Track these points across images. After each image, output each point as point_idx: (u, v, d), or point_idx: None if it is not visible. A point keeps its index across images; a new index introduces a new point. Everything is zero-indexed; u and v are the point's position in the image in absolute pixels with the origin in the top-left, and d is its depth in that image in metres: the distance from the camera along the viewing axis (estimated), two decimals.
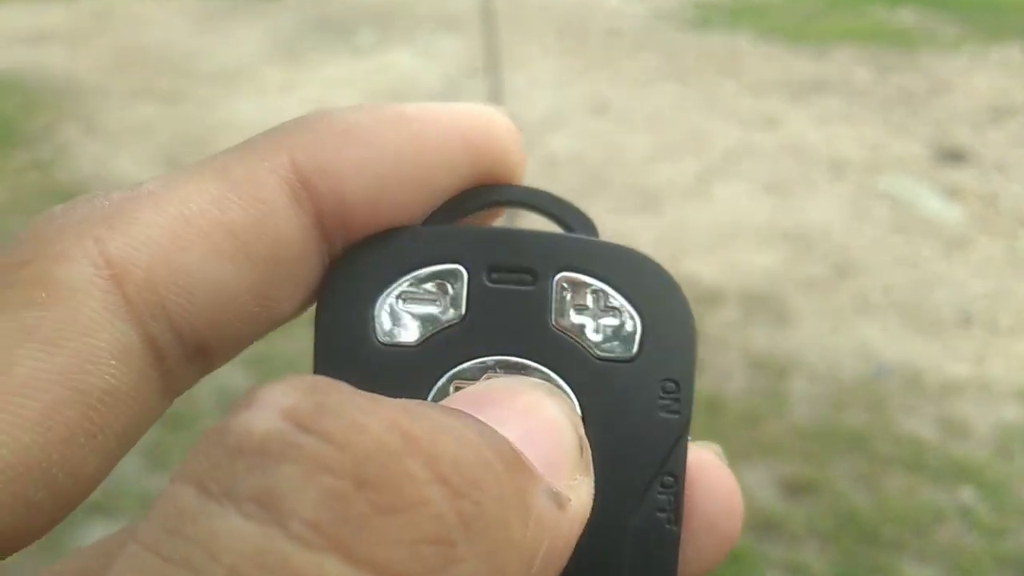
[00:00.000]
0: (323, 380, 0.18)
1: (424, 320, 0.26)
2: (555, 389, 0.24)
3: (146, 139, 4.63)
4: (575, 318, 0.26)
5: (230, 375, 2.29)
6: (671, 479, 0.24)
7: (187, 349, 0.25)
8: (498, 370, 0.25)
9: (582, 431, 0.23)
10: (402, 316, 0.26)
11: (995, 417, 2.60)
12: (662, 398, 0.25)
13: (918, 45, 5.53)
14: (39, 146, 4.70)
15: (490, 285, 0.26)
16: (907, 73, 5.04)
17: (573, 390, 0.25)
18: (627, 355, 0.26)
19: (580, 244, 0.29)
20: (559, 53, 5.68)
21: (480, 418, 0.19)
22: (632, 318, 0.27)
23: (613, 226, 3.56)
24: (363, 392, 0.18)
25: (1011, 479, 2.36)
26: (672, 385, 0.25)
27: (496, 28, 4.34)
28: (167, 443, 2.31)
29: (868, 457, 2.45)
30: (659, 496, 0.24)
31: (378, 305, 0.26)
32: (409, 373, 0.25)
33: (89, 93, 5.39)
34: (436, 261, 0.26)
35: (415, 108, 0.28)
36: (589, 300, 0.27)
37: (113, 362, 0.23)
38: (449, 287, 0.26)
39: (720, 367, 2.76)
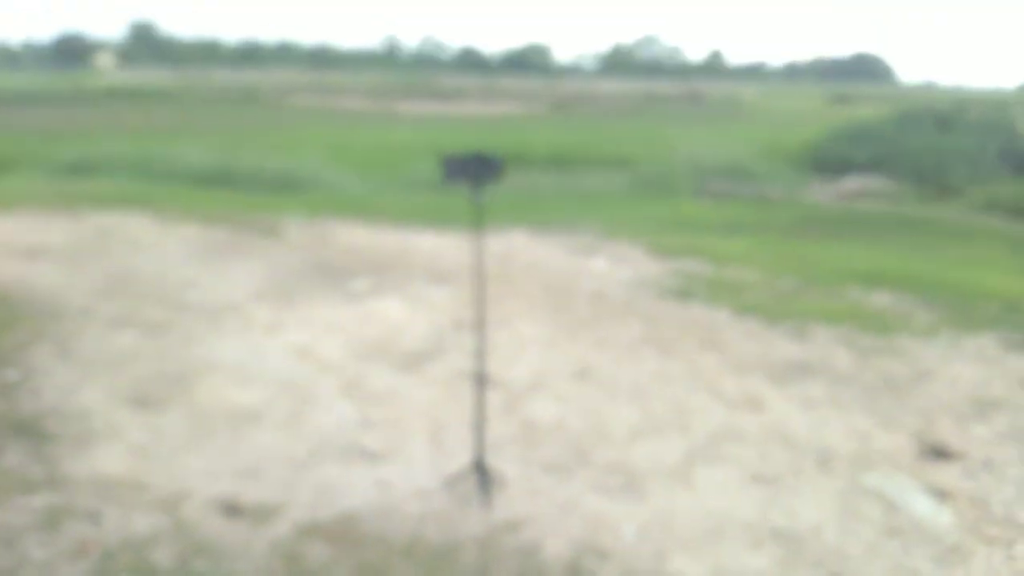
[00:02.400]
0: None
1: None
2: None
3: (120, 371, 4.43)
4: None
5: None
6: None
7: None
8: None
9: None
10: None
11: None
12: None
13: (895, 329, 5.59)
14: (8, 366, 4.49)
15: None
16: (888, 358, 5.02)
17: None
18: None
19: None
20: (545, 312, 5.69)
21: None
22: None
23: (595, 508, 3.31)
24: None
25: None
26: None
27: (485, 285, 4.33)
28: None
29: None
30: None
31: None
32: None
33: (72, 315, 5.26)
34: None
35: None
36: None
37: None
38: None
39: None
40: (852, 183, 19.04)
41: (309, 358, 4.66)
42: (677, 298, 6.28)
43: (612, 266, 7.35)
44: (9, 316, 5.22)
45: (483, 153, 3.18)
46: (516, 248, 7.78)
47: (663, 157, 17.35)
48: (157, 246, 7.24)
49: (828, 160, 20.45)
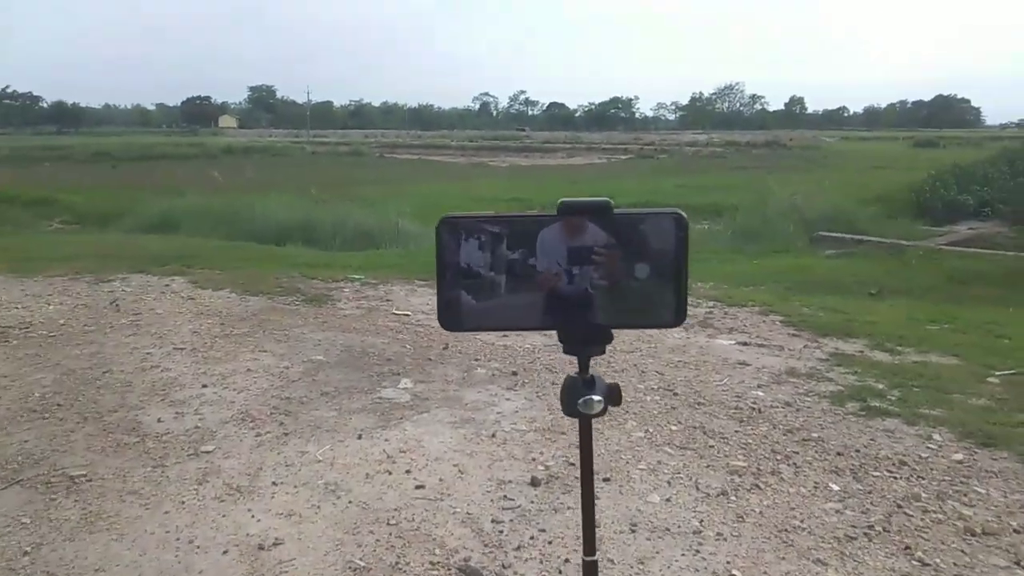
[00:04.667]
0: None
1: None
2: None
3: None
4: None
5: None
6: None
7: None
8: None
9: None
10: None
11: None
12: None
13: None
14: None
15: None
16: None
17: None
18: None
19: None
20: (675, 450, 3.46)
21: None
22: None
23: None
24: None
25: None
26: None
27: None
28: None
29: None
30: None
31: None
32: None
33: None
34: None
35: None
36: None
37: None
38: None
39: None
40: (965, 230, 16.24)
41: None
42: (859, 412, 3.96)
43: (747, 349, 5.06)
44: None
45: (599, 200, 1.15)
46: None
47: (759, 205, 14.78)
48: (162, 325, 5.35)
49: (933, 205, 17.63)
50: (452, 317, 0.88)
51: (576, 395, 0.93)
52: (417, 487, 2.97)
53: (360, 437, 3.45)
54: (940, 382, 4.47)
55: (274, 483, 3.02)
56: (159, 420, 3.70)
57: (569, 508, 2.81)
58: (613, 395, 0.95)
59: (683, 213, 0.86)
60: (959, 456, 3.42)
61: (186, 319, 5.53)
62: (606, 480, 3.06)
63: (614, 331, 0.92)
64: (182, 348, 4.81)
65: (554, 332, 0.92)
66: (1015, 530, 2.74)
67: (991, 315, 6.56)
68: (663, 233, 0.84)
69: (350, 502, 2.85)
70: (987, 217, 17.34)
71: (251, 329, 5.25)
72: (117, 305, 5.98)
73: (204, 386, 4.15)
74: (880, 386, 4.36)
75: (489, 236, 0.83)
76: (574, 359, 0.95)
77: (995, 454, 3.46)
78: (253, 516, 2.77)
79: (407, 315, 5.80)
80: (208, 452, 3.33)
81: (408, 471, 3.11)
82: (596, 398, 0.92)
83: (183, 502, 2.89)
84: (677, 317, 0.87)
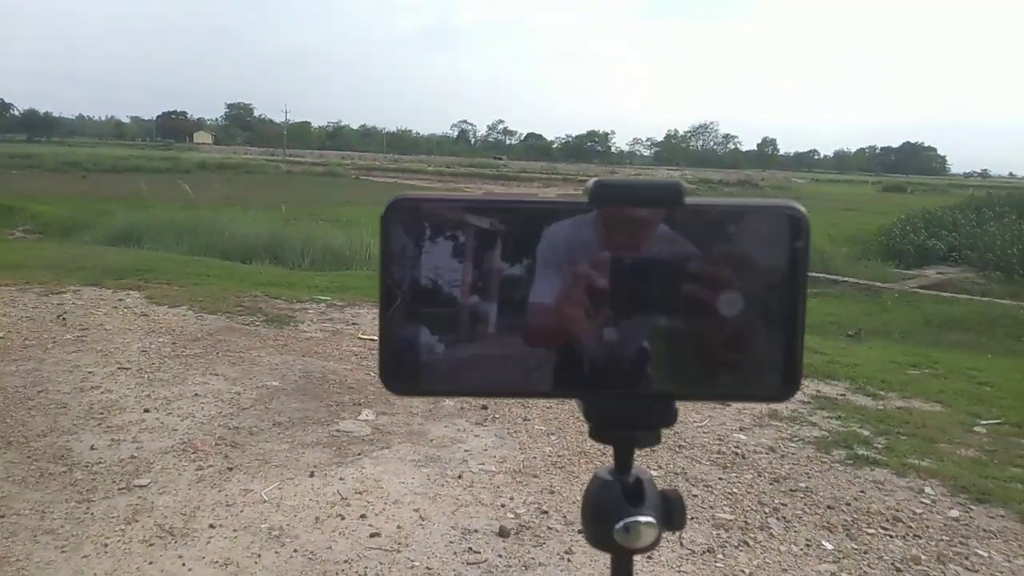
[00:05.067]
0: None
1: None
2: None
3: None
4: None
5: None
6: None
7: None
8: None
9: None
10: None
11: None
12: None
13: None
14: None
15: None
16: None
17: None
18: None
19: None
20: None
21: None
22: None
23: None
24: None
25: None
26: None
27: None
28: None
29: None
30: None
31: None
32: None
33: None
34: None
35: None
36: None
37: None
38: None
39: None
40: (934, 274, 16.49)
41: None
42: (845, 461, 3.73)
43: None
44: None
45: (664, 180, 0.78)
46: None
47: None
48: (109, 342, 4.99)
49: (904, 248, 17.93)
50: (403, 371, 0.49)
51: (612, 514, 0.51)
52: (372, 535, 2.66)
53: (312, 475, 3.14)
54: (926, 431, 4.27)
55: (211, 525, 2.69)
56: (92, 448, 3.35)
57: (541, 565, 2.53)
58: (674, 511, 0.53)
59: (802, 209, 0.49)
60: (955, 513, 3.20)
61: (136, 337, 5.17)
62: (582, 532, 2.78)
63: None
64: (127, 368, 4.46)
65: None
66: None
67: (971, 361, 6.42)
68: (769, 241, 0.48)
69: (295, 551, 2.54)
70: (955, 262, 17.59)
71: (204, 350, 4.91)
72: (64, 319, 5.60)
73: (146, 411, 3.80)
74: (866, 432, 4.16)
75: (472, 235, 0.49)
76: (606, 448, 0.54)
77: (991, 511, 3.25)
78: (184, 564, 2.45)
79: (374, 340, 5.50)
80: (142, 486, 2.99)
81: (363, 516, 2.80)
82: (646, 520, 0.51)
83: (106, 545, 2.55)
84: (786, 385, 0.49)
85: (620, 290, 0.48)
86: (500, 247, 0.48)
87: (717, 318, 0.48)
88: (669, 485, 3.31)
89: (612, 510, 0.51)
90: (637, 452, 0.52)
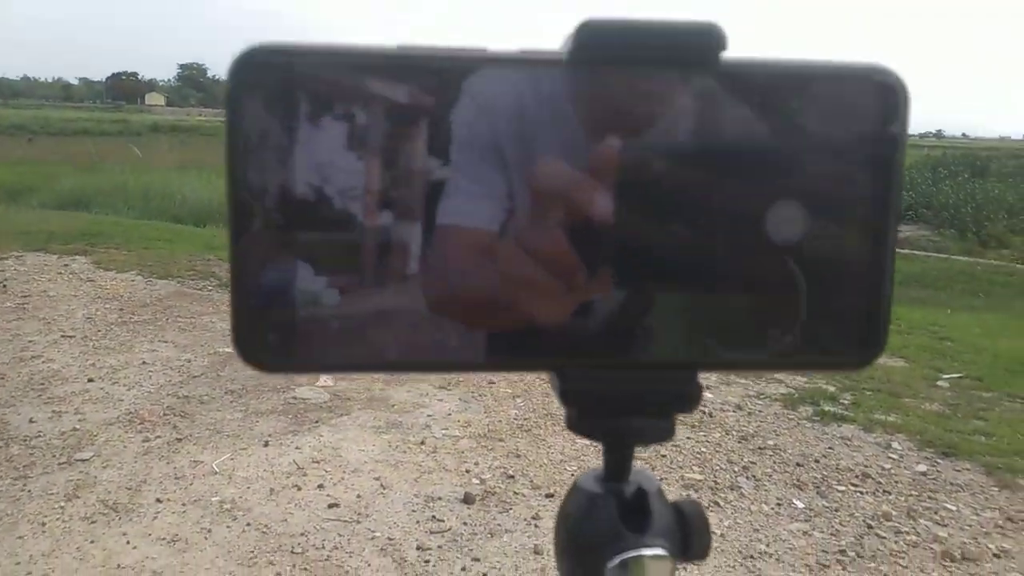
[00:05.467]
0: None
1: None
2: None
3: None
4: None
5: None
6: None
7: None
8: None
9: None
10: None
11: None
12: None
13: None
14: None
15: None
16: None
17: None
18: None
19: None
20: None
21: None
22: None
23: None
24: None
25: None
26: None
27: None
28: None
29: None
30: None
31: None
32: None
33: None
34: None
35: None
36: None
37: None
38: None
39: None
40: None
41: None
42: (812, 418, 3.70)
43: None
44: None
45: (689, 23, 0.58)
46: None
47: None
48: (53, 309, 4.75)
49: None
50: (269, 335, 0.29)
51: (603, 547, 0.33)
52: (330, 506, 2.54)
53: (267, 444, 2.99)
54: (891, 386, 4.27)
55: (158, 500, 2.54)
56: (31, 420, 3.16)
57: (508, 531, 2.43)
58: (692, 534, 0.35)
59: (898, 75, 0.31)
60: (922, 467, 3.18)
61: (81, 303, 4.93)
62: (549, 496, 2.68)
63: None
64: (71, 336, 4.24)
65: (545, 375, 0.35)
66: (995, 554, 2.49)
67: (932, 316, 6.47)
68: (848, 124, 0.31)
69: (248, 524, 2.40)
70: (912, 220, 17.89)
71: (153, 316, 4.69)
72: (4, 285, 5.32)
73: (90, 380, 3.61)
74: (831, 388, 4.13)
75: (381, 112, 0.29)
76: (594, 445, 0.36)
77: (957, 464, 3.24)
78: (128, 542, 2.30)
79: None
80: (84, 460, 2.82)
81: (321, 486, 2.68)
82: (652, 553, 0.33)
83: (44, 524, 2.39)
84: (866, 346, 0.33)
85: (616, 202, 0.30)
86: (426, 133, 0.29)
87: (765, 244, 0.31)
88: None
89: (602, 540, 0.33)
90: (638, 451, 0.36)
